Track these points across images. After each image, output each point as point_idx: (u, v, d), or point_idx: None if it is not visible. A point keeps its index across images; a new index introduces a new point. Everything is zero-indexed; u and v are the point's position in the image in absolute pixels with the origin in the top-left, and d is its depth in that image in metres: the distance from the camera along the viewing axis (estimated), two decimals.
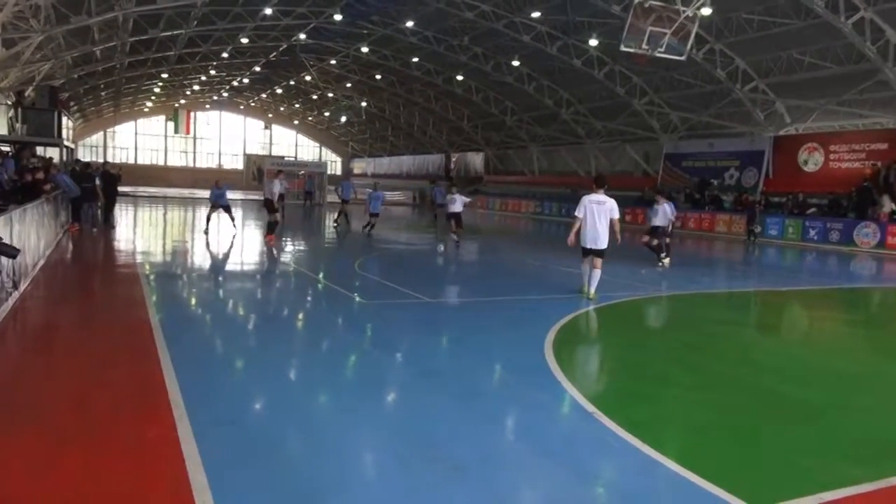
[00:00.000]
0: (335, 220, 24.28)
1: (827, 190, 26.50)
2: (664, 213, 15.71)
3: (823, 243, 24.75)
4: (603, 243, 10.28)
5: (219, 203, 19.90)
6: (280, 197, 19.11)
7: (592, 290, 10.43)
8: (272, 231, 17.37)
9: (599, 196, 10.45)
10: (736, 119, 31.56)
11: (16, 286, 8.55)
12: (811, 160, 28.39)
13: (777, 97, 28.90)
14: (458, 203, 18.19)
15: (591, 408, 5.35)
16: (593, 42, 29.12)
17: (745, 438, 4.99)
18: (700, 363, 7.28)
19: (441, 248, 18.19)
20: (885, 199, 23.41)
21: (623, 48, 19.94)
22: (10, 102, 26.64)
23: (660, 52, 19.86)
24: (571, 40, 30.77)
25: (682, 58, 21.02)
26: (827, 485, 4.10)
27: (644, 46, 19.53)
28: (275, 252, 15.47)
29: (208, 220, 19.68)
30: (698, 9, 19.72)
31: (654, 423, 5.21)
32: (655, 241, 15.73)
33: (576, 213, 10.59)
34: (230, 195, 20.18)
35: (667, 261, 15.58)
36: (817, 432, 5.19)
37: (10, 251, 4.36)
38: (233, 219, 20.15)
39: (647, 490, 4.07)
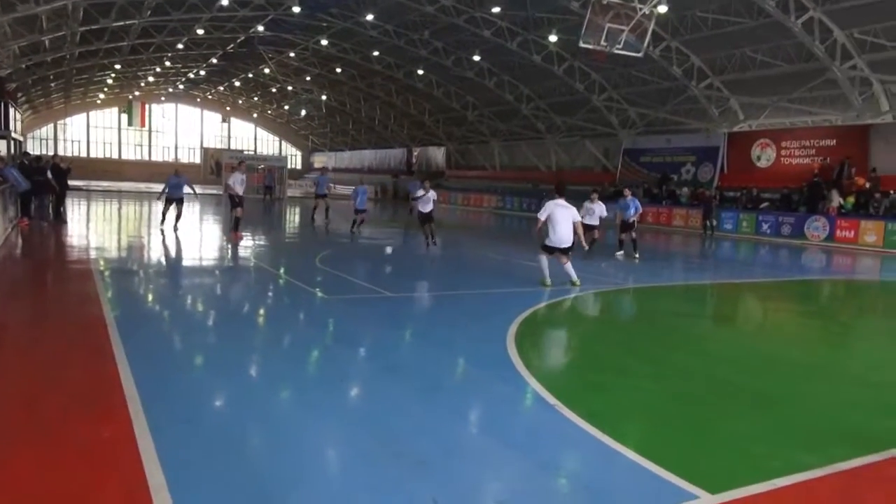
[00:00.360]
0: (313, 217, 23.38)
1: (779, 185, 27.21)
2: (628, 208, 16.40)
3: (776, 237, 25.45)
4: (570, 242, 11.23)
5: (174, 196, 17.98)
6: None
7: (575, 277, 11.28)
8: (237, 228, 16.87)
9: (562, 202, 11.23)
10: (692, 115, 32.19)
11: None
12: (764, 156, 29.14)
13: (731, 94, 29.56)
14: (430, 203, 16.62)
15: (552, 399, 5.41)
16: (553, 38, 29.36)
17: (700, 427, 5.11)
18: (657, 354, 7.41)
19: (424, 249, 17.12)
20: (833, 194, 24.16)
21: (582, 44, 20.18)
22: None
23: (618, 49, 20.14)
24: (531, 36, 30.97)
25: (640, 54, 21.36)
26: (779, 471, 4.22)
27: (602, 43, 19.79)
28: (236, 248, 15.19)
29: (164, 215, 18.24)
30: (655, 6, 20.05)
31: (613, 413, 5.31)
32: (634, 235, 16.38)
33: (539, 216, 11.27)
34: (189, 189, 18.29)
35: (619, 254, 16.14)
36: (770, 421, 5.33)
37: None
38: (180, 217, 18.13)
39: (607, 479, 4.14)
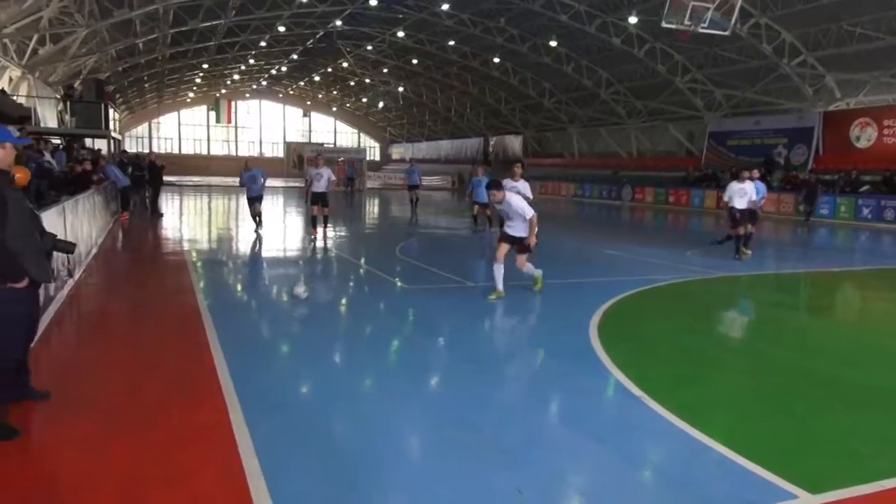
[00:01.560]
0: (413, 210, 23.25)
1: (881, 166, 25.57)
2: (748, 194, 13.44)
3: (878, 222, 23.95)
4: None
5: (252, 195, 16.13)
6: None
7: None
8: (314, 224, 15.65)
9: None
10: (783, 95, 30.62)
11: (71, 274, 8.81)
12: (863, 136, 27.41)
13: (826, 71, 27.92)
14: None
15: (637, 391, 5.29)
16: (633, 19, 28.54)
17: (800, 423, 4.87)
18: (752, 346, 7.12)
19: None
20: None
21: (664, 24, 19.48)
22: (59, 96, 27.30)
23: (703, 28, 19.31)
24: (610, 18, 30.17)
25: (727, 33, 20.42)
26: (886, 472, 3.98)
27: (686, 22, 19.02)
28: (319, 240, 15.43)
29: (255, 219, 16.30)
30: None
31: (703, 406, 5.13)
32: (742, 230, 13.58)
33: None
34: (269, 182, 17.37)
35: (741, 254, 13.68)
36: (876, 417, 5.03)
37: (68, 247, 4.54)
38: (260, 221, 16.34)
39: (696, 475, 4.01)
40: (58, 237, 4.63)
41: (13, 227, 4.07)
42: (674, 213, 30.37)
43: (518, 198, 8.96)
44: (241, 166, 17.64)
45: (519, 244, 8.87)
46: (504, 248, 8.85)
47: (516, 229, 8.82)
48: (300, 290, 8.50)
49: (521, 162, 14.08)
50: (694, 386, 5.67)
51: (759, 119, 32.12)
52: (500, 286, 8.79)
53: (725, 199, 13.77)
